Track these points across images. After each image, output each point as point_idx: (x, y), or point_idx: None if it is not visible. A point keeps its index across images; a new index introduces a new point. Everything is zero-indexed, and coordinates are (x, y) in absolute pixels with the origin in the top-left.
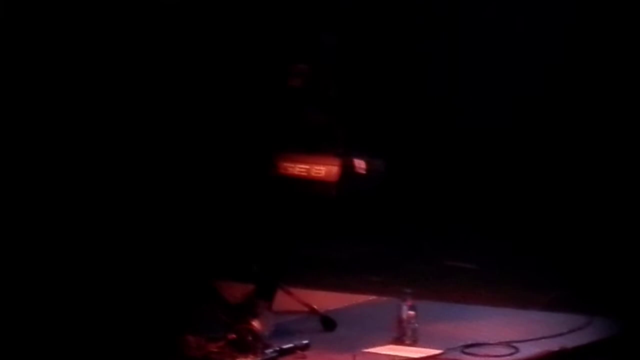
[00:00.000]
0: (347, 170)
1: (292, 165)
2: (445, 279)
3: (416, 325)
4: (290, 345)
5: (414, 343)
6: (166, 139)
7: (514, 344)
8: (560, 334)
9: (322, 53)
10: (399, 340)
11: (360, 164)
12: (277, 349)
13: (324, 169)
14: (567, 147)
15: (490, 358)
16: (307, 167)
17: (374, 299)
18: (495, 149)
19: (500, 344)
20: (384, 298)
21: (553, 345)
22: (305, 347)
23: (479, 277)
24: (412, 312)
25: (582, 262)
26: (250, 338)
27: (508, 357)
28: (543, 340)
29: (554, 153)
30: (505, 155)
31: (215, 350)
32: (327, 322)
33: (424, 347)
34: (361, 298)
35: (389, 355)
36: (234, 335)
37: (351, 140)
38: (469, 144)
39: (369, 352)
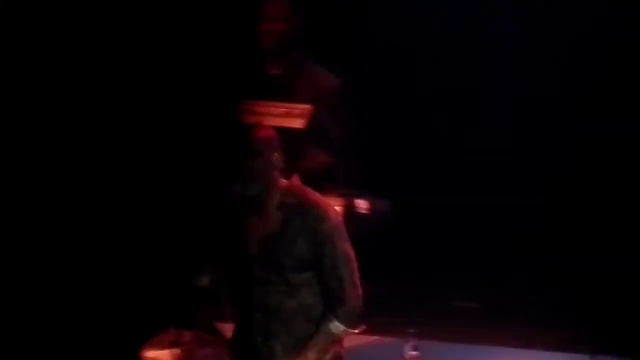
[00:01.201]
0: (350, 210)
1: None
2: (449, 319)
3: None
4: None
5: None
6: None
7: None
8: None
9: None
10: None
11: (363, 205)
12: None
13: None
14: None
15: None
16: None
17: (377, 340)
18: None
19: None
20: (388, 339)
21: None
22: None
23: (483, 317)
24: (415, 353)
25: (586, 302)
26: None
27: None
28: None
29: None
30: (511, 190)
31: None
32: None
33: None
34: (365, 338)
35: None
36: None
37: (355, 180)
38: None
39: None
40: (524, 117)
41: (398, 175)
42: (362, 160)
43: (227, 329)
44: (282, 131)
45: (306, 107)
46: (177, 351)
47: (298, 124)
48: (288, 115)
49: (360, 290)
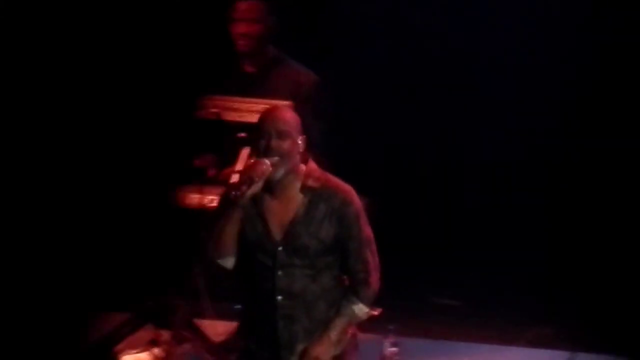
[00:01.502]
0: None
1: None
2: (429, 315)
3: None
4: None
5: None
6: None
7: None
8: None
9: (304, 93)
10: None
11: None
12: None
13: None
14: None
15: None
16: None
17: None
18: (481, 183)
19: None
20: (367, 335)
21: None
22: None
23: (464, 314)
24: (394, 349)
25: (566, 299)
26: None
27: None
28: None
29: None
30: (491, 188)
31: None
32: None
33: None
34: None
35: None
36: None
37: (335, 176)
38: (454, 179)
39: None
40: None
41: (378, 171)
42: (342, 156)
43: (205, 326)
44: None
45: (285, 104)
46: (155, 351)
47: None
48: None
49: (379, 273)
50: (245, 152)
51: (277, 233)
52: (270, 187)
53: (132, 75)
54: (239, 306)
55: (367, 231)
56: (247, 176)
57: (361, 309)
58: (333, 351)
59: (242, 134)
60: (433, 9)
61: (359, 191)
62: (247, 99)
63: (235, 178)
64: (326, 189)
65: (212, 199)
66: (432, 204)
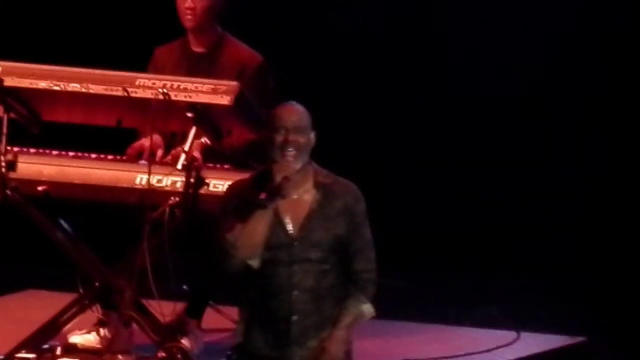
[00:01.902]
0: None
1: (222, 183)
2: (376, 296)
3: None
4: None
5: None
6: None
7: None
8: (488, 350)
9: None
10: None
11: None
12: None
13: None
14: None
15: None
16: None
17: None
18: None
19: None
20: None
21: None
22: None
23: (410, 294)
24: None
25: (511, 279)
26: (180, 356)
27: None
28: (471, 355)
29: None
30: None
31: None
32: None
33: None
34: None
35: None
36: (163, 354)
37: None
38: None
39: None
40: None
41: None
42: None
43: (152, 306)
44: (208, 108)
45: (232, 84)
46: (103, 332)
47: (224, 100)
48: (214, 91)
49: (376, 272)
50: (193, 132)
51: (292, 228)
52: (287, 182)
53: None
54: (185, 287)
55: (369, 231)
56: (282, 177)
57: (368, 309)
58: (344, 349)
59: (190, 114)
60: None
61: None
62: (195, 79)
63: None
64: (338, 185)
65: (159, 180)
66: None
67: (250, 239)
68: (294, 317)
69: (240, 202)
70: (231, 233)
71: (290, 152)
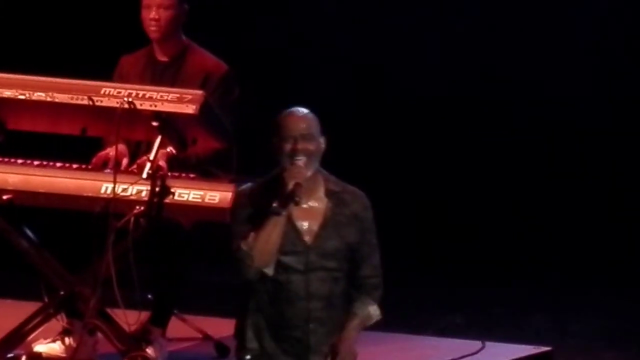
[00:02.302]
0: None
1: (187, 192)
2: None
3: None
4: None
5: None
6: None
7: None
8: None
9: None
10: None
11: None
12: None
13: (218, 196)
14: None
15: None
16: (202, 193)
17: None
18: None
19: None
20: None
21: None
22: None
23: None
24: None
25: (476, 287)
26: None
27: None
28: None
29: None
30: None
31: None
32: (221, 349)
33: None
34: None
35: None
36: None
37: (244, 167)
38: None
39: None
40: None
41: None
42: (253, 146)
43: (118, 315)
44: (174, 117)
45: (198, 93)
46: (67, 341)
47: (190, 109)
48: (180, 100)
49: (381, 278)
50: (158, 141)
51: (307, 236)
52: (300, 189)
53: (43, 67)
54: (150, 296)
55: (375, 238)
56: (294, 183)
57: (376, 310)
58: (353, 351)
59: (156, 123)
60: None
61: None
62: (161, 88)
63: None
64: (347, 193)
65: (125, 189)
66: None
67: (265, 246)
68: (311, 325)
69: (252, 210)
70: (245, 242)
71: (300, 160)
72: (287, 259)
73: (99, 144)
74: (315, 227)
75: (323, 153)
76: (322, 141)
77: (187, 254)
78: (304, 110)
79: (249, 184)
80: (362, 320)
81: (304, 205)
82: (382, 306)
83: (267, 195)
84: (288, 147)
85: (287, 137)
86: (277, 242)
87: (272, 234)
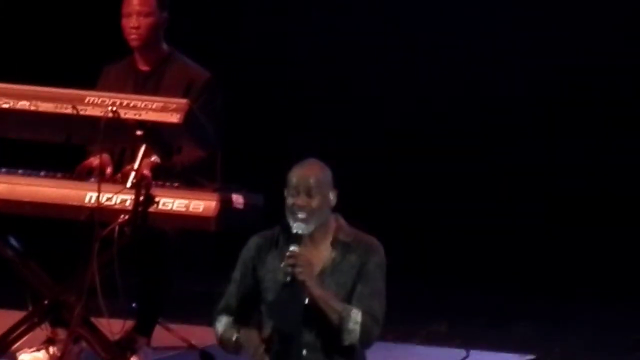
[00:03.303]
0: (226, 205)
1: (171, 201)
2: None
3: None
4: None
5: None
6: None
7: None
8: None
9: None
10: None
11: (238, 199)
12: None
13: (203, 204)
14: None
15: None
16: (186, 202)
17: None
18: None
19: None
20: None
21: None
22: None
23: None
24: None
25: (461, 296)
26: None
27: None
28: None
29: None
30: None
31: None
32: (206, 358)
33: None
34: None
35: None
36: None
37: (229, 175)
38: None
39: None
40: None
41: (272, 170)
42: (237, 155)
43: (102, 324)
44: (158, 125)
45: (182, 102)
46: (52, 349)
47: (174, 118)
48: (164, 109)
49: (377, 330)
50: (142, 150)
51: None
52: (300, 241)
53: (28, 76)
54: (134, 305)
55: (381, 285)
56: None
57: (356, 315)
58: (313, 288)
59: (140, 132)
60: None
61: (254, 189)
62: (145, 97)
63: None
64: (356, 242)
65: (109, 198)
66: None
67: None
68: None
69: (255, 262)
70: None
71: (299, 216)
72: (287, 309)
73: (83, 152)
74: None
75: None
76: (331, 196)
77: (171, 262)
78: (313, 163)
79: (262, 232)
80: (339, 306)
81: (307, 256)
82: (363, 343)
83: (269, 252)
84: (290, 201)
85: (290, 190)
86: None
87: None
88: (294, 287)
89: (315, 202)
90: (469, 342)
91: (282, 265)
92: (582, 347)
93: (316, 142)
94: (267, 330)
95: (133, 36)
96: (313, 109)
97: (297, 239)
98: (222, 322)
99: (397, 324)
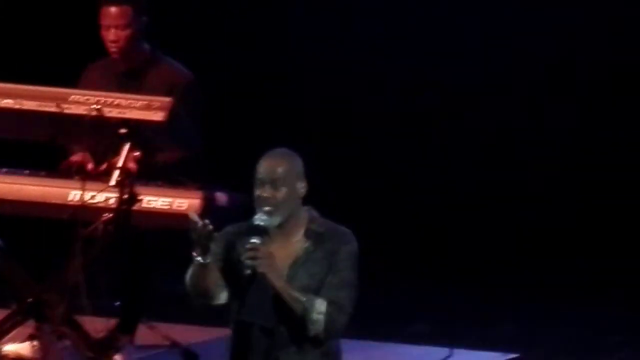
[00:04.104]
0: (210, 203)
1: (155, 199)
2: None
3: None
4: None
5: None
6: None
7: None
8: None
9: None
10: None
11: (221, 197)
12: None
13: (187, 203)
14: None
15: None
16: (170, 200)
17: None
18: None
19: None
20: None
21: None
22: None
23: None
24: None
25: (445, 294)
26: None
27: None
28: None
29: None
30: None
31: None
32: (189, 356)
33: None
34: (223, 331)
35: None
36: None
37: (213, 174)
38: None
39: None
40: None
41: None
42: (220, 154)
43: (84, 322)
44: (142, 124)
45: (166, 100)
46: (35, 344)
47: (158, 116)
48: (147, 107)
49: (346, 320)
50: (126, 148)
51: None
52: (270, 233)
53: (11, 74)
54: (118, 303)
55: (351, 275)
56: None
57: (320, 305)
58: (274, 279)
59: (124, 130)
60: None
61: (236, 188)
62: (129, 95)
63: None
64: (329, 232)
65: (92, 196)
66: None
67: (199, 289)
68: None
69: (225, 243)
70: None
71: (264, 208)
72: (262, 297)
73: (64, 152)
74: (285, 268)
75: (303, 196)
76: (300, 186)
77: (152, 260)
78: (280, 154)
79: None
80: (302, 297)
81: (279, 247)
82: (326, 335)
83: (238, 240)
84: (256, 192)
85: (257, 181)
86: (211, 281)
87: (200, 279)
88: (257, 279)
89: (280, 194)
90: (453, 341)
91: (241, 258)
92: (566, 346)
93: (304, 139)
94: (232, 324)
95: (112, 49)
96: (302, 107)
97: (259, 231)
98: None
99: (379, 323)
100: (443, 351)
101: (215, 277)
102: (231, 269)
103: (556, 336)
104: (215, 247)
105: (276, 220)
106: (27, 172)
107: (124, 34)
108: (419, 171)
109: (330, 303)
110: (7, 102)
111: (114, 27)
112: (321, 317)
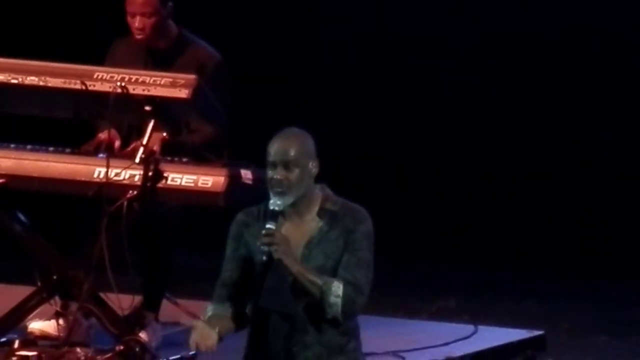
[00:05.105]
0: (234, 180)
1: (179, 176)
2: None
3: None
4: (178, 356)
5: None
6: None
7: (401, 354)
8: (446, 344)
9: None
10: None
11: (246, 174)
12: None
13: (211, 180)
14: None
15: None
16: (195, 177)
17: None
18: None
19: (386, 353)
20: None
21: (439, 354)
22: (192, 358)
23: None
24: None
25: (468, 272)
26: (138, 349)
27: None
28: (429, 349)
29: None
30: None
31: None
32: None
33: None
34: None
35: None
36: (121, 347)
37: (238, 150)
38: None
39: None
40: None
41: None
42: (246, 131)
43: (111, 299)
44: (167, 101)
45: (191, 77)
46: (62, 322)
47: (183, 93)
48: (173, 84)
49: (362, 300)
50: (151, 125)
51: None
52: (285, 213)
53: (36, 51)
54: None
55: (368, 255)
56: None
57: (337, 288)
58: (291, 265)
59: (149, 107)
60: None
61: (259, 163)
62: (153, 73)
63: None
64: (344, 211)
65: (118, 173)
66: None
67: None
68: (294, 349)
69: (242, 236)
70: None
71: (277, 190)
72: (279, 278)
73: (91, 128)
74: (300, 248)
75: (316, 175)
76: (313, 165)
77: (175, 237)
78: (291, 134)
79: (247, 208)
80: (320, 279)
81: (293, 227)
82: (344, 316)
83: (254, 227)
84: (269, 174)
85: (269, 163)
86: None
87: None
88: (273, 264)
89: (293, 176)
90: (478, 318)
91: (257, 244)
92: (590, 322)
93: (324, 117)
94: (250, 309)
95: (139, 36)
96: (324, 88)
97: (273, 216)
98: (207, 312)
99: (405, 300)
100: (468, 328)
101: (229, 327)
102: (246, 258)
103: (580, 312)
104: (234, 247)
105: (288, 200)
106: (52, 149)
107: (150, 21)
108: (442, 155)
109: (347, 284)
110: (32, 80)
111: (139, 15)
112: (338, 300)
